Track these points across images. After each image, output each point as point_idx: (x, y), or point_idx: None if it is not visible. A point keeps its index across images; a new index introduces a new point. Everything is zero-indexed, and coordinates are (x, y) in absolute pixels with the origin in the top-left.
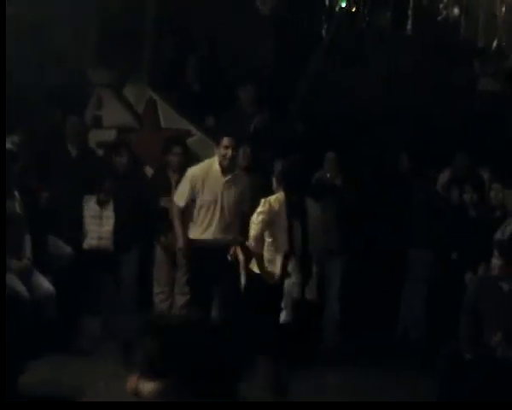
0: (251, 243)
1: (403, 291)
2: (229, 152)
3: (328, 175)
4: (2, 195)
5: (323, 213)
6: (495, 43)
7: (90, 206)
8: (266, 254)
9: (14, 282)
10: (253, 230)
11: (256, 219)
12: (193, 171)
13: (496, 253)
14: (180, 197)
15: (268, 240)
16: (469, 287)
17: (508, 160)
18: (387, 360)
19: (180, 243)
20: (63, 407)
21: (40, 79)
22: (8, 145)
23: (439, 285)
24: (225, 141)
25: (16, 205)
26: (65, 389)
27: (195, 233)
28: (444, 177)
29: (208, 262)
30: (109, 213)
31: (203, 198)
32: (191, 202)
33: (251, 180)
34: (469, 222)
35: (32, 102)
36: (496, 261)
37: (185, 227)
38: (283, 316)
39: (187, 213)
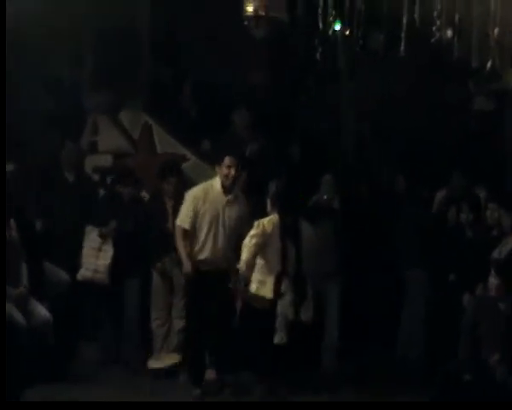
0: (242, 266)
1: (401, 312)
2: (232, 171)
3: (324, 197)
4: (2, 194)
5: (319, 235)
6: (489, 64)
7: (92, 237)
8: (258, 276)
9: (10, 309)
10: (246, 253)
11: (249, 243)
12: (194, 192)
13: (493, 272)
14: (185, 219)
15: (260, 262)
16: (468, 308)
17: (503, 179)
18: (387, 382)
19: (186, 267)
20: (63, 408)
21: (35, 105)
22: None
23: (437, 306)
24: (227, 160)
25: (12, 232)
26: None
27: (195, 253)
28: (440, 196)
29: (206, 287)
30: (108, 247)
31: (204, 218)
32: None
33: (249, 203)
34: (466, 242)
35: (28, 128)
36: (493, 281)
37: (191, 251)
38: (277, 337)
39: (190, 236)
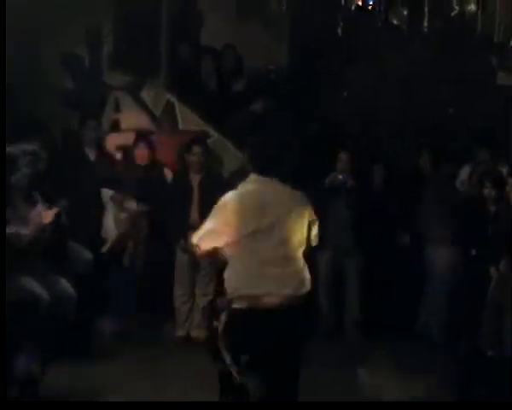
0: None
1: (424, 288)
2: None
3: (339, 177)
4: (2, 194)
5: (334, 212)
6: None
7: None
8: None
9: (32, 285)
10: None
11: None
12: None
13: None
14: None
15: None
16: (492, 283)
17: None
18: (407, 358)
19: None
20: (63, 408)
21: (56, 83)
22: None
23: (460, 283)
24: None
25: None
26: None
27: None
28: (464, 173)
29: None
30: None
31: None
32: None
33: None
34: (490, 218)
35: (48, 108)
36: None
37: None
38: None
39: None
